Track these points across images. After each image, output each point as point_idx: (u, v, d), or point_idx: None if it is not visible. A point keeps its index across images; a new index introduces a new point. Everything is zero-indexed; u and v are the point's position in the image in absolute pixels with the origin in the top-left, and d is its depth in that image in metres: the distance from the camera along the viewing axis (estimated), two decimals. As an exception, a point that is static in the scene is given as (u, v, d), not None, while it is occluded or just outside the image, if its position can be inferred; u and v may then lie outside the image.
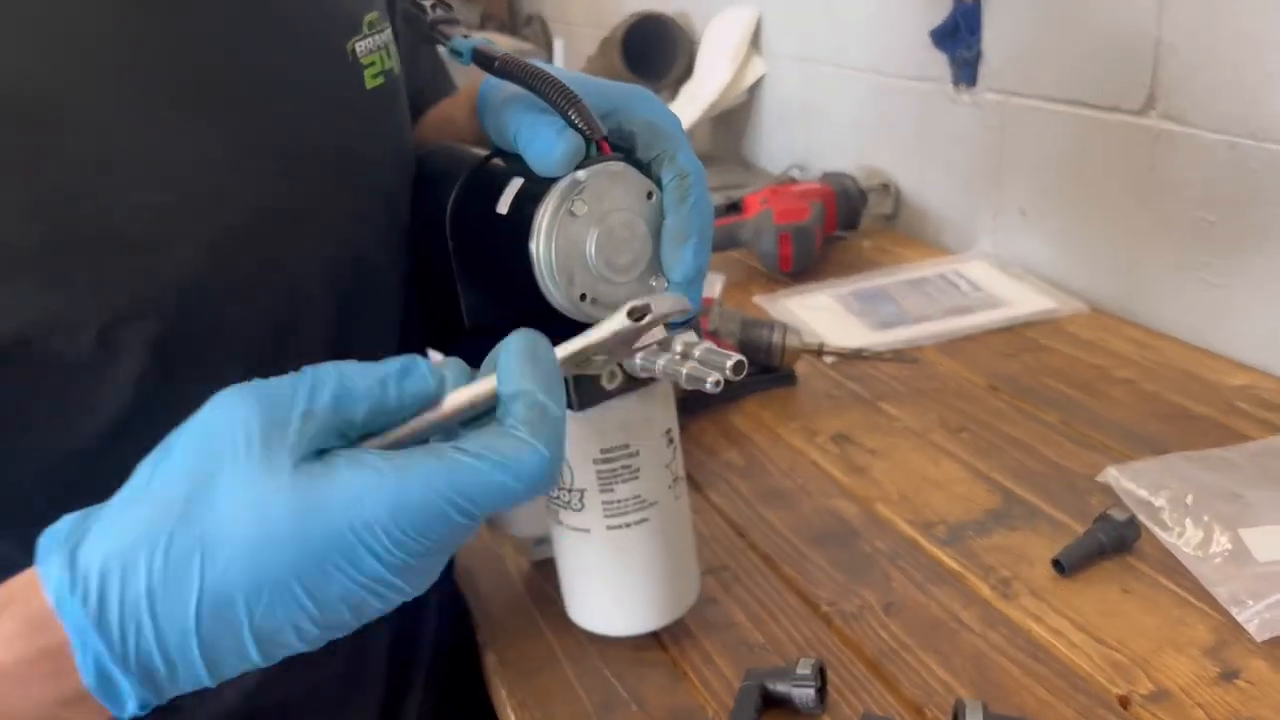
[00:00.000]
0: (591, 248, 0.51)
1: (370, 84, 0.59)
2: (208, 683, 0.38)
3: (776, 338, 0.94)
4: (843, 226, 1.33)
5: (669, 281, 0.54)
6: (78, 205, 0.47)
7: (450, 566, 0.75)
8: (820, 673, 0.57)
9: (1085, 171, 1.07)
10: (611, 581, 0.61)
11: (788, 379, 0.96)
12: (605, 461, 0.58)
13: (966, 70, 1.19)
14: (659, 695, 0.59)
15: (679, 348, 0.55)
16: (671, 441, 0.60)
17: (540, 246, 0.51)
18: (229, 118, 0.52)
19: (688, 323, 0.57)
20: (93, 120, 0.47)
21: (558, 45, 1.33)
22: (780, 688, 0.56)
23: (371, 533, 0.36)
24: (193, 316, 0.50)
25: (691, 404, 0.91)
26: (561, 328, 0.54)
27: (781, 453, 0.85)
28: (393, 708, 0.70)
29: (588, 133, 0.51)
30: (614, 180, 0.52)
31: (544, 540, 0.71)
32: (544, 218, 0.51)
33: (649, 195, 0.53)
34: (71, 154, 0.47)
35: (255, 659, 0.38)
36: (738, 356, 0.52)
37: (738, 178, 1.70)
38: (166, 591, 0.36)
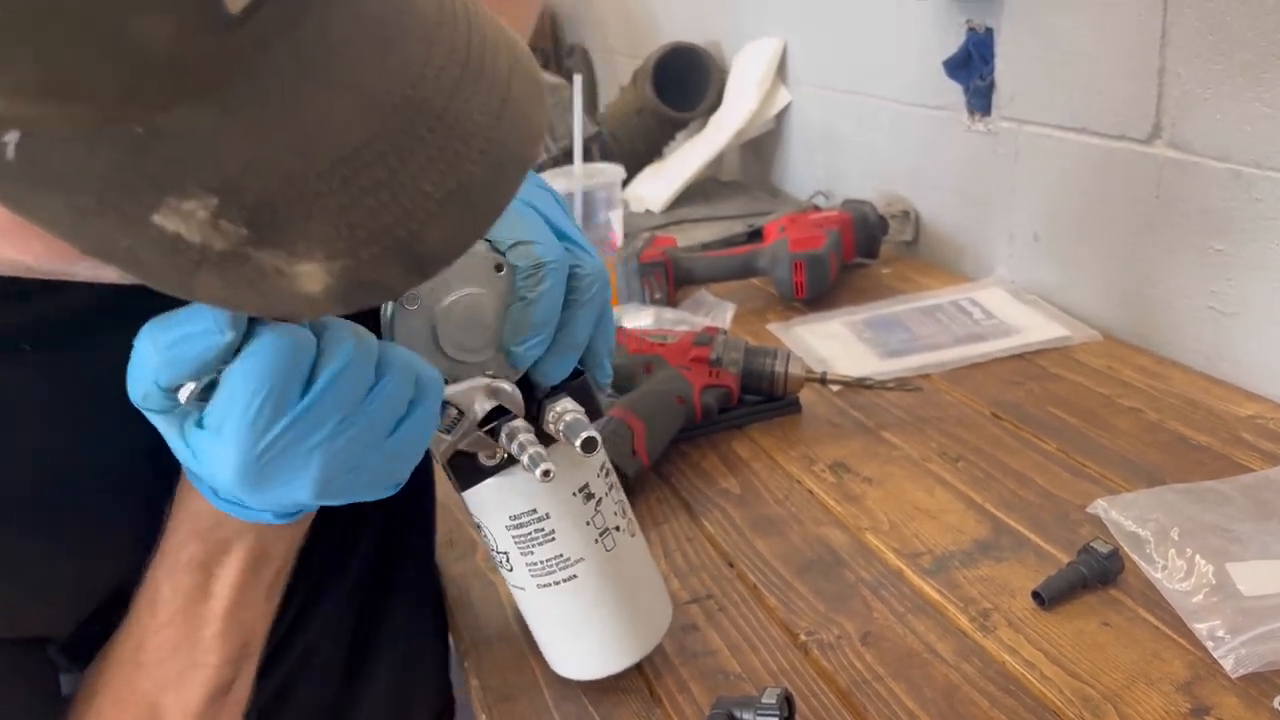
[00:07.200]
0: (434, 337, 0.52)
1: None
2: None
3: (779, 366, 0.95)
4: (862, 254, 1.34)
5: (514, 369, 0.54)
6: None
7: (441, 600, 0.77)
8: (787, 702, 0.57)
9: (1096, 200, 1.07)
10: (553, 634, 0.62)
11: (792, 407, 0.97)
12: (518, 527, 0.57)
13: (980, 99, 1.20)
14: (632, 722, 0.60)
15: (550, 417, 0.55)
16: (591, 496, 0.58)
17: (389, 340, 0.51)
18: None
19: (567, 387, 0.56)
20: None
21: (576, 80, 1.36)
22: (745, 716, 0.57)
23: None
24: None
25: (694, 431, 0.93)
26: None
27: (778, 480, 0.85)
28: None
29: None
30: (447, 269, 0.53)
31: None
32: (386, 314, 0.51)
33: (498, 268, 0.52)
34: None
35: None
36: (588, 433, 0.53)
37: (765, 204, 1.71)
38: None
